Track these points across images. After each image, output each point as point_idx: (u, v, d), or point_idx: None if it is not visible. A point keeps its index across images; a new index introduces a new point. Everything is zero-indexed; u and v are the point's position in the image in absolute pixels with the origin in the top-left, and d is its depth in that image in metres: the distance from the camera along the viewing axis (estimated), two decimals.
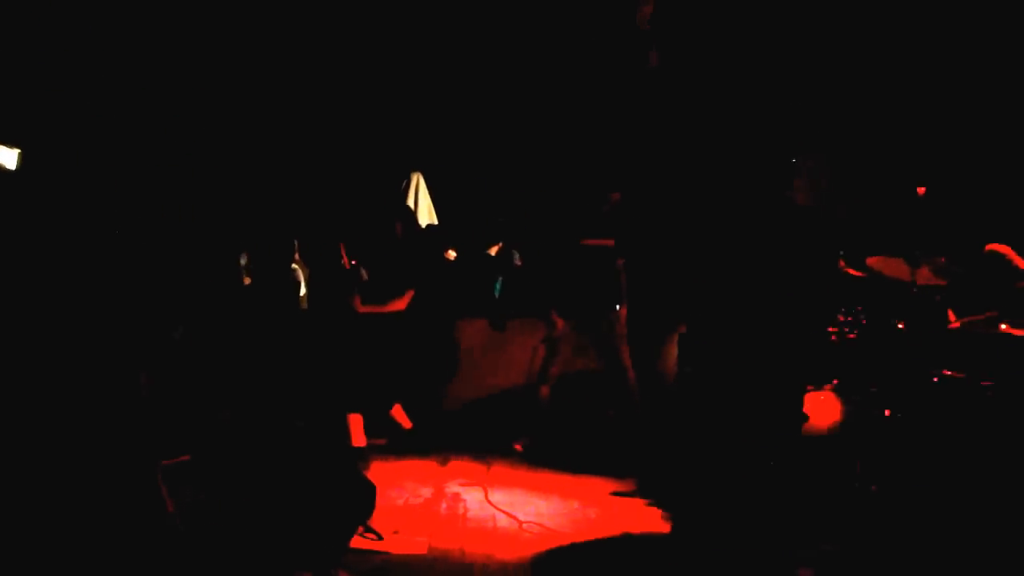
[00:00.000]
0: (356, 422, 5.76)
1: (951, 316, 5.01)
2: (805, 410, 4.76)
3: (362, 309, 5.86)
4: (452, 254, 8.43)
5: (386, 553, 4.17)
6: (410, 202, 9.39)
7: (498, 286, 7.34)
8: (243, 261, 8.12)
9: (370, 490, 4.44)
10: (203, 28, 8.46)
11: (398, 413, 6.20)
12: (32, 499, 3.56)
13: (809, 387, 4.82)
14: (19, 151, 8.15)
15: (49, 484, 3.62)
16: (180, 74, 8.59)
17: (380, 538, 4.31)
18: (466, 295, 7.27)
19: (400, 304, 5.85)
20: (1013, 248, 4.94)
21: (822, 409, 4.79)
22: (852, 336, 4.87)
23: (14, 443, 3.78)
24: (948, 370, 4.57)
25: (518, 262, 7.48)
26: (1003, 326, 4.42)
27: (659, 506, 5.01)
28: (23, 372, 4.30)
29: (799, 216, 3.92)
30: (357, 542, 4.16)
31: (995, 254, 4.95)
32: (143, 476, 3.69)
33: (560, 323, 5.71)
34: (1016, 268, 4.89)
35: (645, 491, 5.26)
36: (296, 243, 8.42)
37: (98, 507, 3.55)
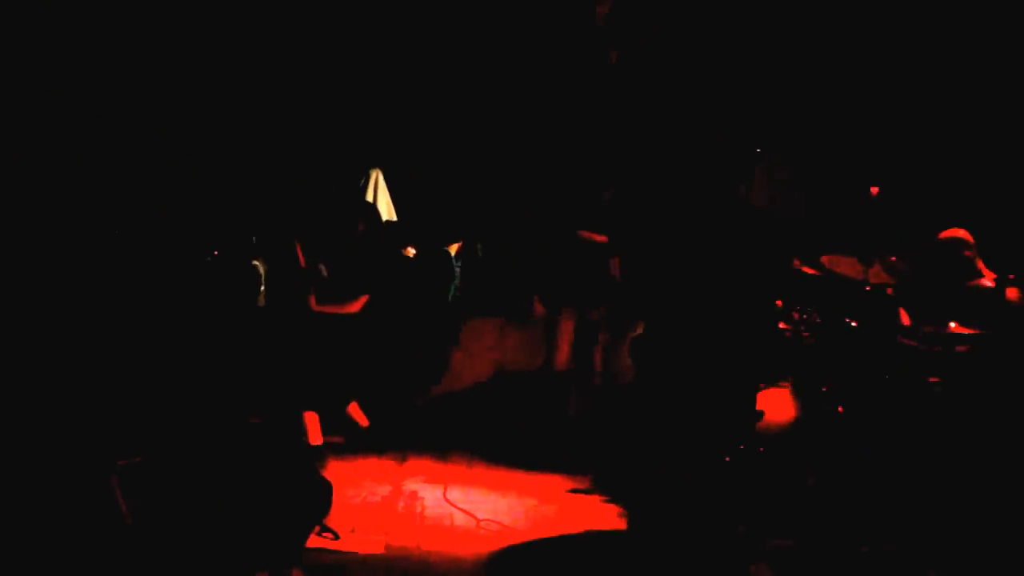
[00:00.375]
0: (312, 420, 5.71)
1: (903, 314, 5.08)
2: (760, 407, 4.82)
3: (317, 308, 5.81)
4: (411, 251, 8.40)
5: (343, 552, 4.15)
6: (369, 199, 9.36)
7: (453, 286, 7.33)
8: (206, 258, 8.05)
9: (326, 489, 4.41)
10: (160, 24, 8.35)
11: (355, 411, 6.16)
12: None
13: (763, 384, 4.88)
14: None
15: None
16: (138, 73, 8.48)
17: (337, 537, 4.28)
18: (425, 292, 7.24)
19: (355, 307, 5.81)
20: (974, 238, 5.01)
21: (777, 406, 4.85)
22: (806, 334, 4.93)
23: None
24: (900, 368, 4.65)
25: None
26: (952, 325, 4.49)
27: (616, 502, 5.05)
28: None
29: (752, 215, 3.96)
30: (314, 541, 4.14)
31: (952, 239, 5.00)
32: (97, 476, 3.64)
33: (540, 310, 5.67)
34: (970, 259, 4.95)
35: (602, 488, 5.30)
36: (254, 239, 8.38)
37: (51, 507, 3.50)
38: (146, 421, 4.23)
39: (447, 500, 5.08)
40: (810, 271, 5.08)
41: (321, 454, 5.66)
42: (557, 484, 5.43)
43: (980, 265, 4.97)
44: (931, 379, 4.41)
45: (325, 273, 6.42)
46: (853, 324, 4.77)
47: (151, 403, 4.65)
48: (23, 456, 3.67)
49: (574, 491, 5.32)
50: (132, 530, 3.51)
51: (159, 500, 3.74)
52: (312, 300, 5.85)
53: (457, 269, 8.55)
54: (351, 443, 6.17)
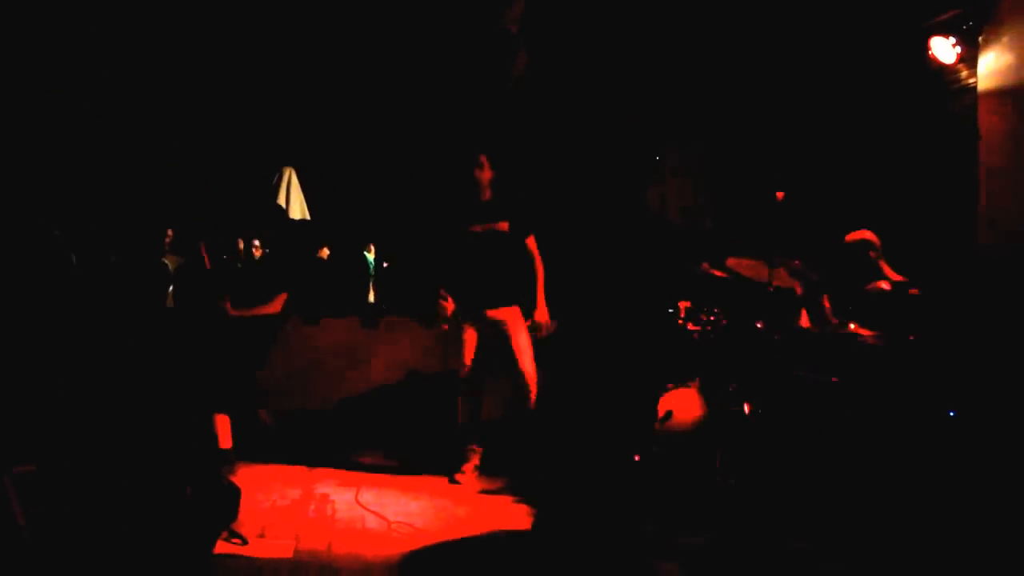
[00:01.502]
0: (223, 423, 5.61)
1: (804, 315, 5.22)
2: (669, 406, 4.91)
3: (233, 312, 5.70)
4: (326, 252, 8.34)
5: (251, 557, 4.08)
6: (282, 197, 9.25)
7: (369, 287, 7.29)
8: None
9: (234, 493, 4.35)
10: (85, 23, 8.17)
11: (265, 414, 6.08)
12: None
13: (671, 384, 4.97)
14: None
15: None
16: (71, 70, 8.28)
17: (245, 542, 4.21)
18: (337, 293, 7.20)
19: (275, 307, 5.72)
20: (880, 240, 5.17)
21: (685, 405, 4.94)
22: (713, 335, 5.04)
23: None
24: (801, 369, 4.77)
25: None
26: (852, 326, 4.63)
27: (528, 503, 5.08)
28: None
29: (656, 219, 4.04)
30: (221, 547, 4.08)
31: (861, 241, 5.17)
32: None
33: (450, 308, 5.60)
34: (873, 260, 5.11)
35: (515, 489, 5.33)
36: (168, 235, 8.21)
37: None
38: (42, 427, 4.12)
39: (359, 503, 5.05)
40: (717, 274, 5.19)
41: (231, 458, 5.56)
42: (469, 487, 5.44)
43: (884, 266, 5.14)
44: (832, 378, 4.54)
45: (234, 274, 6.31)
46: (758, 325, 4.88)
47: (50, 408, 4.52)
48: None
49: (487, 492, 5.34)
50: (27, 539, 3.41)
51: (57, 508, 3.65)
52: (228, 304, 5.73)
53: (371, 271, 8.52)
54: (262, 447, 6.09)
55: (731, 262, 5.09)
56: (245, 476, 5.38)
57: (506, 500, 5.19)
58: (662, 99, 6.10)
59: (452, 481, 5.52)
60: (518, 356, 5.42)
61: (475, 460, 5.59)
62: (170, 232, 8.21)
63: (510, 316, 5.47)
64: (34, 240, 6.65)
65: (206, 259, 5.46)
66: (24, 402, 4.46)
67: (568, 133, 5.86)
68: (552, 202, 5.35)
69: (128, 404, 5.42)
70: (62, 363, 5.53)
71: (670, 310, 4.84)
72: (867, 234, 5.20)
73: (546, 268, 5.44)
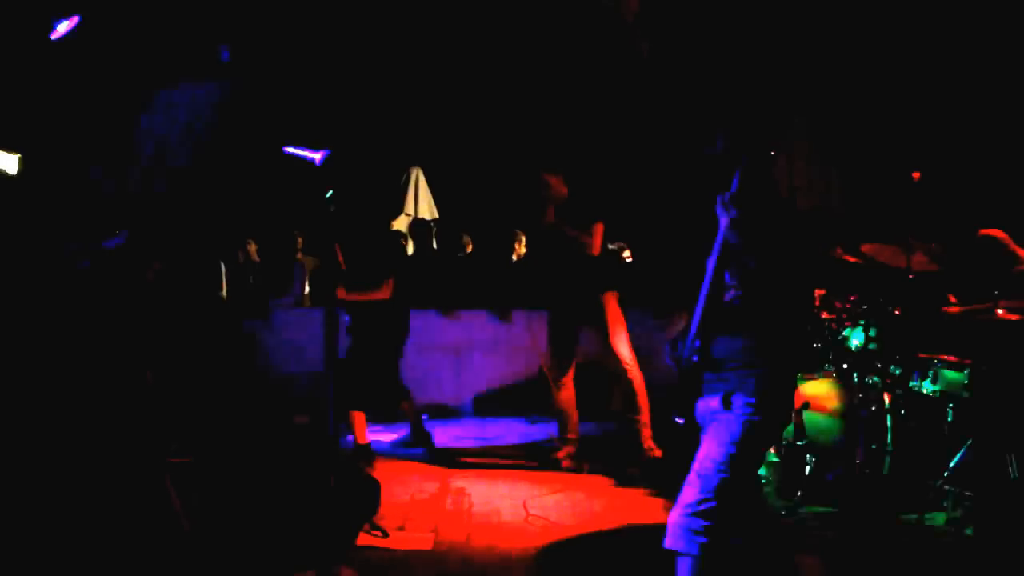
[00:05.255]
0: (360, 419, 5.78)
1: (952, 300, 5.02)
2: (805, 397, 4.80)
3: (345, 297, 5.81)
4: (469, 247, 8.46)
5: (391, 549, 4.20)
6: (410, 197, 9.44)
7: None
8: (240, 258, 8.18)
9: (374, 487, 4.48)
10: (201, 22, 8.49)
11: (408, 408, 6.23)
12: (42, 498, 3.61)
13: (808, 374, 4.86)
14: (19, 156, 8.20)
15: (59, 482, 3.67)
16: (172, 72, 8.62)
17: (386, 535, 4.34)
18: (473, 287, 7.29)
19: (383, 294, 5.82)
20: (1007, 233, 4.94)
21: (821, 395, 4.82)
22: (849, 323, 4.90)
23: (24, 442, 3.84)
24: (945, 355, 4.60)
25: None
26: (999, 312, 4.44)
27: (662, 495, 5.06)
28: (30, 374, 4.35)
29: (787, 204, 3.94)
30: (362, 539, 4.20)
31: (989, 239, 4.95)
32: (151, 475, 3.73)
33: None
34: (1011, 252, 4.88)
35: (649, 481, 5.31)
36: (299, 238, 8.50)
37: (108, 505, 3.60)
38: (197, 422, 4.33)
39: (495, 496, 5.12)
40: (851, 260, 5.04)
41: (369, 453, 5.73)
42: (604, 479, 5.45)
43: (1022, 253, 4.90)
44: (980, 367, 4.36)
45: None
46: (896, 312, 4.73)
47: (202, 404, 4.75)
48: (82, 458, 3.78)
49: (621, 485, 5.34)
50: (184, 527, 3.60)
51: (210, 498, 3.83)
52: (341, 290, 5.83)
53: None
54: (400, 441, 6.25)
55: (866, 248, 4.94)
56: (384, 469, 5.53)
57: (640, 493, 5.17)
58: (789, 77, 5.96)
59: (544, 467, 5.70)
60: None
61: (570, 448, 5.75)
62: (300, 239, 8.51)
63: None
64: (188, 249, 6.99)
65: (341, 259, 5.60)
66: (178, 399, 4.69)
67: (691, 118, 5.77)
68: (679, 191, 5.30)
69: (272, 401, 5.65)
70: (211, 362, 5.80)
71: (805, 298, 4.73)
72: (998, 233, 4.96)
73: (676, 256, 5.46)
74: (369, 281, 5.74)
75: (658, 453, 5.52)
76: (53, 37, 6.78)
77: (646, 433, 5.58)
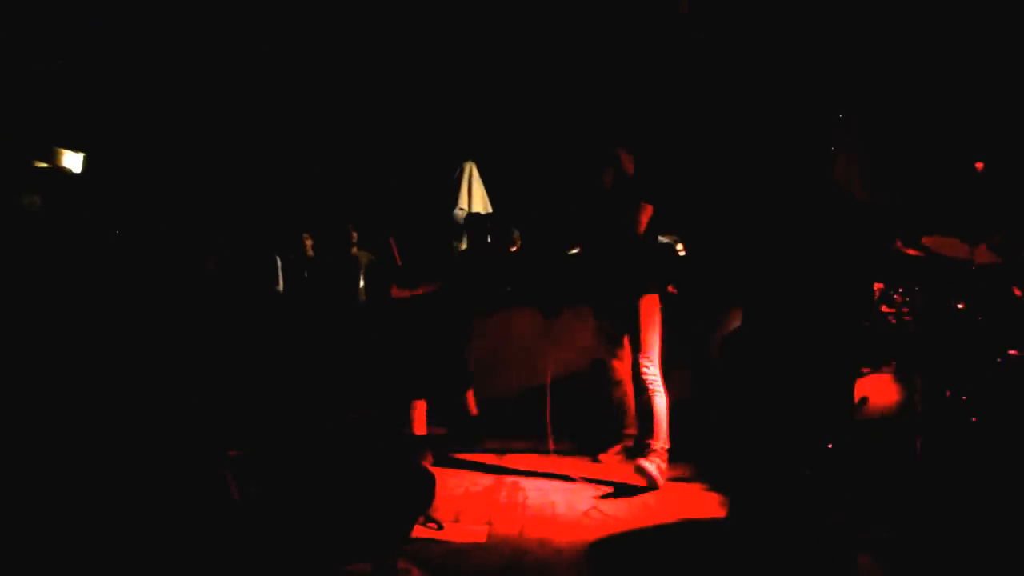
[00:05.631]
0: (419, 410, 5.83)
1: (1017, 293, 4.91)
2: (864, 392, 4.73)
3: (396, 293, 5.87)
4: (518, 243, 8.47)
5: (446, 542, 4.24)
6: (463, 191, 9.46)
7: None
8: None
9: (430, 480, 4.51)
10: (256, 23, 8.61)
11: (470, 397, 6.27)
12: (101, 487, 3.69)
13: (866, 369, 4.78)
14: (84, 155, 8.41)
15: (119, 471, 3.76)
16: (241, 69, 8.76)
17: (440, 527, 4.38)
18: (523, 283, 7.29)
19: (435, 285, 5.85)
20: None
21: (881, 391, 4.75)
22: (910, 317, 4.81)
23: (86, 433, 3.93)
24: (1014, 349, 4.49)
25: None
26: None
27: (717, 491, 5.03)
28: (93, 366, 4.45)
29: (847, 197, 3.88)
30: (418, 531, 4.24)
31: None
32: (211, 467, 3.80)
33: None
34: None
35: (704, 476, 5.29)
36: (353, 233, 8.58)
37: (169, 496, 3.67)
38: (255, 414, 4.40)
39: (549, 489, 5.13)
40: (912, 252, 4.95)
41: (425, 445, 5.77)
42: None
43: None
44: None
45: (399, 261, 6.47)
46: (959, 306, 4.63)
47: (260, 397, 4.82)
48: (144, 452, 3.86)
49: (675, 479, 5.31)
50: (243, 519, 3.66)
51: (267, 490, 3.88)
52: (393, 288, 5.90)
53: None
54: (454, 434, 6.29)
55: (927, 240, 4.85)
56: (439, 462, 5.58)
57: (696, 488, 5.15)
58: (846, 62, 5.87)
59: (594, 460, 5.72)
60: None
61: (627, 443, 5.70)
62: (354, 234, 8.59)
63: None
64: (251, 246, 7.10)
65: (396, 254, 5.66)
66: (234, 391, 4.77)
67: (747, 108, 5.70)
68: (731, 183, 5.24)
69: (329, 393, 5.71)
70: (266, 354, 5.89)
71: (863, 291, 4.66)
72: None
73: (729, 250, 5.40)
74: (423, 275, 5.79)
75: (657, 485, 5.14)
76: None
77: (653, 458, 5.18)
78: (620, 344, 5.63)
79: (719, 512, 4.71)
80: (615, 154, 5.40)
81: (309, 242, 8.78)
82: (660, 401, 5.23)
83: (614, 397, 5.76)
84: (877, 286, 4.91)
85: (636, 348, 5.31)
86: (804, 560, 3.35)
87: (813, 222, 3.02)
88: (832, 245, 3.21)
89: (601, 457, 5.74)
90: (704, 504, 4.87)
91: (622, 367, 5.66)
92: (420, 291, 5.76)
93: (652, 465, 5.10)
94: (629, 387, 5.59)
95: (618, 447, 5.75)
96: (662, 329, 5.39)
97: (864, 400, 4.70)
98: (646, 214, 5.33)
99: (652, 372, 5.26)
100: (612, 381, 5.75)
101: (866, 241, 4.00)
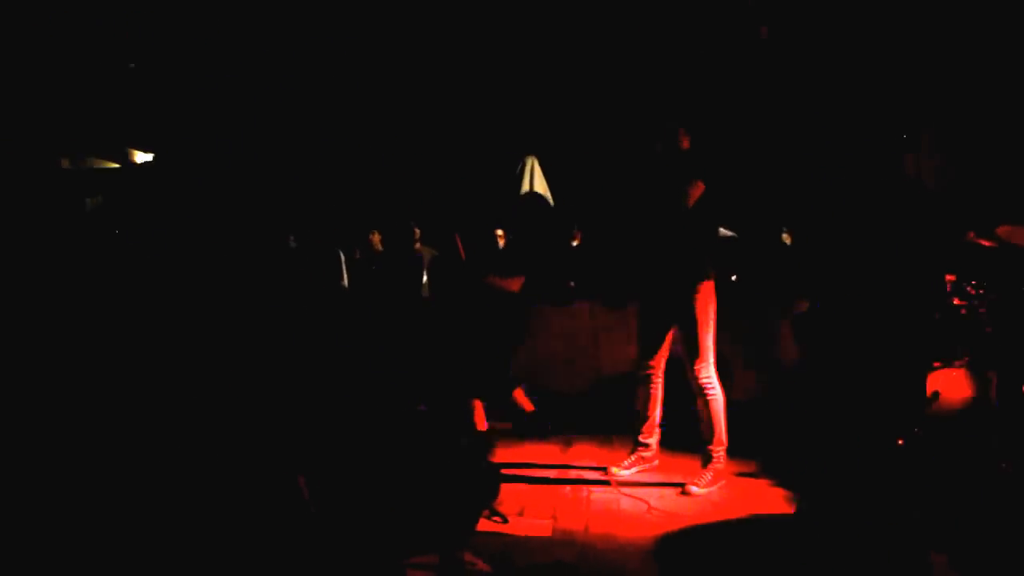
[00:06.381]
0: (478, 407, 5.87)
1: None
2: (936, 387, 4.63)
3: (488, 280, 5.87)
4: (578, 238, 8.46)
5: (511, 535, 4.26)
6: (525, 186, 9.47)
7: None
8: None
9: (495, 473, 4.55)
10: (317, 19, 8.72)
11: (520, 396, 6.28)
12: (182, 485, 3.79)
13: (938, 364, 4.68)
14: (153, 155, 8.62)
15: (197, 469, 3.86)
16: (300, 68, 8.88)
17: (505, 520, 4.41)
18: (582, 278, 7.29)
19: (512, 285, 5.87)
20: None
21: (953, 386, 4.65)
22: (983, 309, 4.70)
23: (175, 434, 4.04)
24: None
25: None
26: None
27: (783, 486, 4.97)
28: (175, 369, 4.57)
29: (918, 188, 3.80)
30: (483, 525, 4.27)
31: None
32: (283, 466, 3.88)
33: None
34: None
35: (769, 471, 5.23)
36: (416, 229, 8.66)
37: (247, 499, 3.76)
38: (323, 410, 4.47)
39: (614, 484, 5.12)
40: (985, 243, 4.82)
41: (489, 440, 5.81)
42: (725, 468, 5.37)
43: None
44: None
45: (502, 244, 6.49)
46: None
47: (328, 393, 4.89)
48: (222, 454, 3.96)
49: (741, 475, 5.26)
50: (313, 513, 3.73)
51: (338, 484, 3.95)
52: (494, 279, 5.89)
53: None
54: (517, 429, 6.31)
55: (1002, 230, 4.72)
56: (503, 456, 5.60)
57: (762, 483, 5.09)
58: (916, 51, 5.74)
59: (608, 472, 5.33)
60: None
61: (643, 451, 5.34)
62: (417, 230, 8.65)
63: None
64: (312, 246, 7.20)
65: (461, 249, 5.69)
66: (304, 388, 4.85)
67: (814, 100, 5.60)
68: (799, 175, 5.15)
69: (396, 388, 5.78)
70: (334, 349, 5.97)
71: (935, 283, 4.56)
72: None
73: (795, 242, 5.28)
74: (503, 270, 5.79)
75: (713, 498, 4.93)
76: None
77: (713, 466, 5.02)
78: (663, 340, 5.22)
79: (786, 508, 4.66)
80: (668, 126, 5.09)
81: (377, 238, 8.88)
82: (718, 405, 4.98)
83: (638, 400, 5.34)
84: (949, 278, 4.79)
85: (692, 350, 4.97)
86: (876, 558, 3.29)
87: (884, 213, 2.96)
88: (904, 236, 3.15)
89: (612, 470, 5.30)
90: (770, 500, 4.82)
91: (657, 364, 5.25)
92: (499, 283, 5.78)
93: (703, 488, 4.93)
94: (657, 391, 5.28)
95: (635, 458, 5.35)
96: (724, 322, 5.23)
97: (936, 395, 4.61)
98: (696, 190, 4.97)
99: (707, 374, 4.96)
100: (640, 378, 5.30)
101: (938, 231, 3.91)
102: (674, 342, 5.20)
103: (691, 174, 4.98)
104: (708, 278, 5.00)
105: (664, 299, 5.11)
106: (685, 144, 5.05)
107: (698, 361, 4.95)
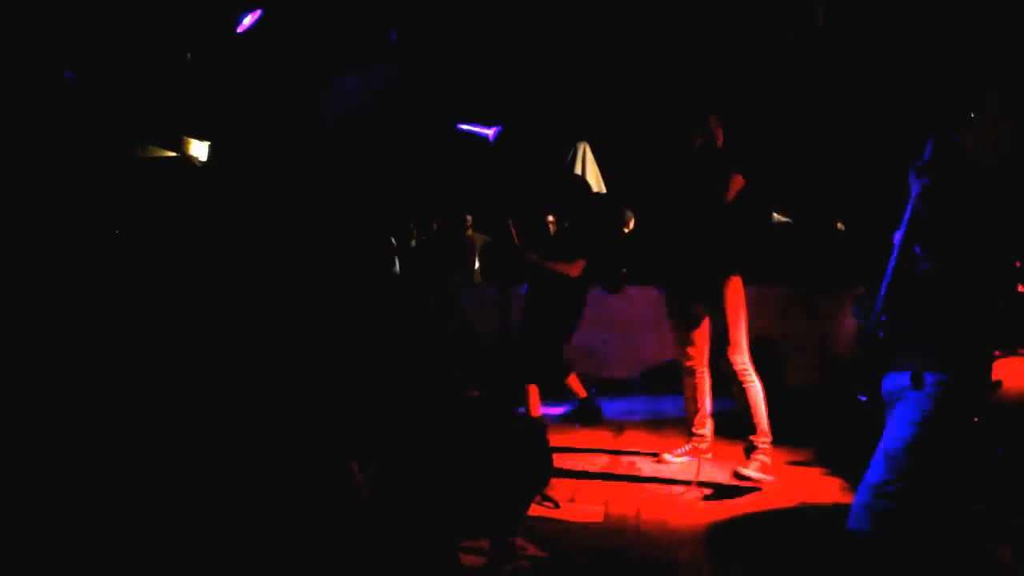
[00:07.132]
0: (533, 392, 5.87)
1: None
2: (998, 376, 4.53)
3: (532, 258, 5.85)
4: (631, 224, 8.43)
5: (563, 521, 4.26)
6: (577, 171, 9.45)
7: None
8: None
9: (547, 459, 4.54)
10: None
11: (573, 382, 6.28)
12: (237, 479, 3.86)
13: (1000, 352, 4.58)
14: (209, 144, 8.74)
15: (251, 462, 3.92)
16: (349, 57, 8.93)
17: (557, 506, 4.41)
18: (638, 265, 7.26)
19: (572, 269, 5.85)
20: None
21: (1017, 375, 4.55)
22: None
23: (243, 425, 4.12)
24: None
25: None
26: None
27: (837, 475, 4.91)
28: (239, 362, 4.64)
29: (979, 169, 3.70)
30: (535, 510, 4.28)
31: None
32: (338, 459, 3.92)
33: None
34: None
35: (823, 460, 5.16)
36: (468, 216, 8.70)
37: (302, 489, 3.81)
38: (379, 395, 4.50)
39: (664, 471, 5.09)
40: None
41: (542, 425, 5.81)
42: (777, 456, 5.31)
43: None
44: None
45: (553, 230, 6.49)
46: None
47: (382, 379, 4.93)
48: (278, 440, 4.02)
49: (795, 463, 5.21)
50: (367, 498, 3.76)
51: (389, 471, 3.98)
52: (533, 255, 5.86)
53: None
54: (569, 414, 6.32)
55: None
56: (555, 442, 5.59)
57: (815, 472, 5.04)
58: (978, 27, 5.60)
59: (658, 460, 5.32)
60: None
61: (696, 442, 5.30)
62: (469, 217, 8.68)
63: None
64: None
65: (514, 235, 5.68)
66: (358, 374, 4.89)
67: (867, 86, 5.49)
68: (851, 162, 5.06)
69: (448, 372, 5.81)
70: (387, 335, 6.02)
71: (1004, 269, 4.44)
72: None
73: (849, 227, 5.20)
74: (563, 254, 5.79)
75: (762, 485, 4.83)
76: (238, 31, 7.14)
77: (758, 456, 4.89)
78: (698, 329, 5.21)
79: (839, 497, 4.60)
80: (707, 119, 5.07)
81: (436, 226, 8.94)
82: (756, 393, 4.91)
83: (686, 391, 5.32)
84: (1016, 264, 4.68)
85: (725, 339, 4.91)
86: (938, 549, 3.23)
87: (945, 197, 2.89)
88: (970, 220, 3.07)
89: (664, 456, 5.31)
90: (824, 488, 4.77)
91: (697, 355, 5.24)
92: (557, 267, 5.77)
93: (753, 472, 4.84)
94: (703, 381, 5.26)
95: (689, 448, 5.32)
96: (777, 308, 5.18)
97: (998, 384, 4.51)
98: (736, 184, 4.93)
99: (742, 360, 4.91)
100: (685, 369, 5.28)
101: (1005, 215, 3.81)
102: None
103: (730, 168, 4.95)
104: (737, 272, 4.96)
105: (694, 291, 5.09)
106: (720, 138, 5.01)
107: (731, 349, 4.90)
